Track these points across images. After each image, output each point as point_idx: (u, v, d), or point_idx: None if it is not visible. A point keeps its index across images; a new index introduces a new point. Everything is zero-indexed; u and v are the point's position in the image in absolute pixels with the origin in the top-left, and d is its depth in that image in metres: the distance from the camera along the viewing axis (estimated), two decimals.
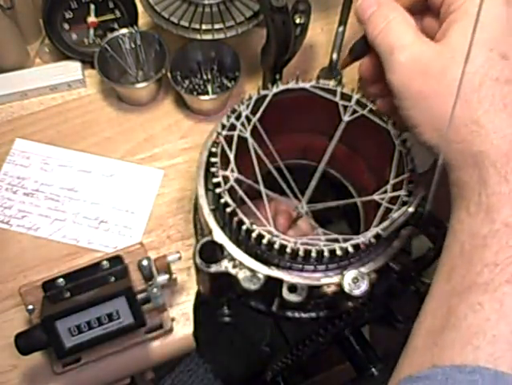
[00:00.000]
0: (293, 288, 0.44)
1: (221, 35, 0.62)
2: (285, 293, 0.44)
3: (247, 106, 0.50)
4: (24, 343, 0.48)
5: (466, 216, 0.36)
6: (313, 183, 0.53)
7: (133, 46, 0.68)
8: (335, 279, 0.45)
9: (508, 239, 0.34)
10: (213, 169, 0.47)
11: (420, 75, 0.38)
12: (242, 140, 0.49)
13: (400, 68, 0.39)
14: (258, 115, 0.50)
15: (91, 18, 0.68)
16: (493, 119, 0.36)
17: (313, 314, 0.51)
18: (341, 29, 0.66)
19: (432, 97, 0.38)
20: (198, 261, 0.44)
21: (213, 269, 0.45)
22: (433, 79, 0.38)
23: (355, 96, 0.50)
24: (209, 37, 0.62)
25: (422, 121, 0.39)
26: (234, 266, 0.45)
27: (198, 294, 0.58)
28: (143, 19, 0.70)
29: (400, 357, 0.38)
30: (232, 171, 0.47)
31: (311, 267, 0.46)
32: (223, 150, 0.48)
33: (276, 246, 0.44)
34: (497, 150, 0.35)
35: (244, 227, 0.44)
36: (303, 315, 0.51)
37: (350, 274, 0.44)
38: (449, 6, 0.39)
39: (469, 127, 0.36)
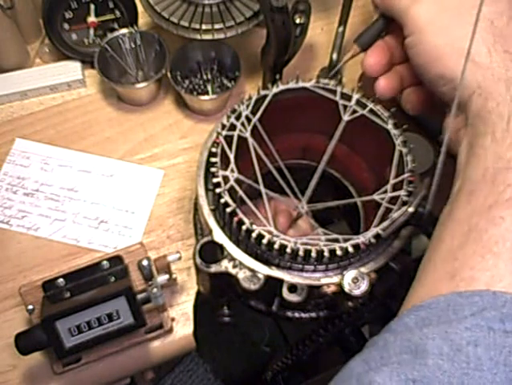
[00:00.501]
0: (293, 288, 0.44)
1: (221, 35, 0.62)
2: (285, 293, 0.44)
3: (247, 106, 0.50)
4: (24, 343, 0.48)
5: (492, 141, 0.37)
6: (313, 183, 0.53)
7: (133, 46, 0.68)
8: (335, 279, 0.45)
9: None
10: (213, 169, 0.47)
11: (448, 10, 0.41)
12: (242, 140, 0.49)
13: (428, 1, 0.42)
14: (258, 115, 0.50)
15: (91, 18, 0.68)
16: None
17: (313, 314, 0.51)
18: (341, 29, 0.66)
19: (460, 28, 0.40)
20: (198, 261, 0.44)
21: (213, 269, 0.45)
22: (463, 12, 0.40)
23: (355, 96, 0.50)
24: (209, 37, 0.62)
25: (448, 50, 0.41)
26: (234, 266, 0.45)
27: (198, 294, 0.58)
28: (143, 19, 0.70)
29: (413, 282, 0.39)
30: (232, 171, 0.47)
31: (311, 267, 0.46)
32: (223, 150, 0.48)
33: (276, 246, 0.44)
34: None
35: (244, 227, 0.44)
36: (303, 315, 0.51)
37: (350, 274, 0.44)
38: None
39: (503, 57, 0.38)
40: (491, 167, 0.37)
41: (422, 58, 0.43)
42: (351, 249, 0.44)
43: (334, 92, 0.50)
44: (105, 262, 0.52)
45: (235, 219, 0.45)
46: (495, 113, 0.38)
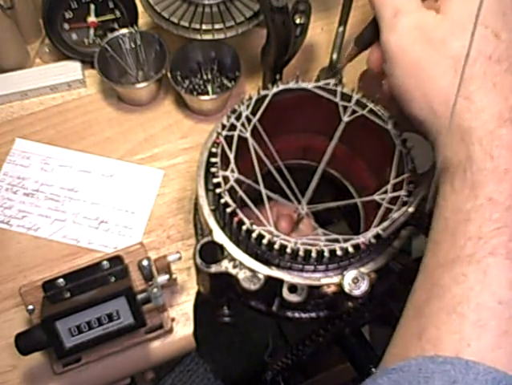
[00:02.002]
0: (293, 288, 0.45)
1: (221, 35, 0.62)
2: (285, 293, 0.44)
3: (247, 106, 0.50)
4: (24, 343, 0.48)
5: (451, 192, 0.37)
6: (313, 183, 0.53)
7: (133, 46, 0.68)
8: (335, 279, 0.45)
9: (491, 213, 0.35)
10: (213, 169, 0.47)
11: (420, 43, 0.39)
12: (242, 140, 0.49)
13: (402, 32, 0.39)
14: (258, 115, 0.50)
15: (91, 18, 0.68)
16: (483, 97, 0.36)
17: (313, 314, 0.51)
18: (341, 29, 0.66)
19: (428, 67, 0.38)
20: (198, 261, 0.44)
21: (213, 269, 0.45)
22: (432, 48, 0.38)
23: (355, 96, 0.50)
24: (209, 37, 0.62)
25: (414, 92, 0.39)
26: (234, 266, 0.45)
27: (198, 294, 0.58)
28: (143, 19, 0.70)
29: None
30: (232, 171, 0.47)
31: (311, 267, 0.46)
32: (223, 150, 0.48)
33: (276, 246, 0.44)
34: (484, 127, 0.36)
35: (244, 227, 0.44)
36: (303, 315, 0.51)
37: (350, 274, 0.44)
38: None
39: (460, 103, 0.36)
40: (451, 218, 0.36)
41: (395, 91, 0.41)
42: (351, 249, 0.44)
43: (334, 92, 0.50)
44: (105, 262, 0.52)
45: (235, 219, 0.45)
46: (453, 162, 0.37)
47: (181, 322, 0.57)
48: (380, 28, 0.41)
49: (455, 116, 0.37)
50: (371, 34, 0.45)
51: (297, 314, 0.51)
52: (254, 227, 0.44)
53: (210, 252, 0.45)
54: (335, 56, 0.68)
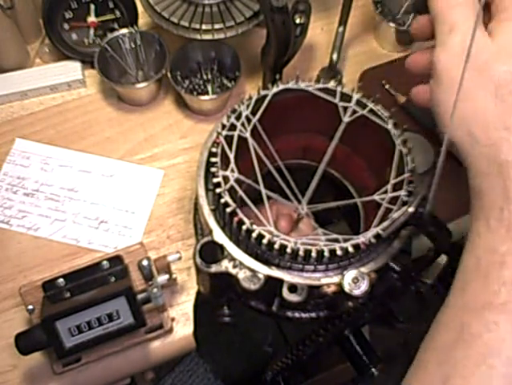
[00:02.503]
0: (293, 288, 0.44)
1: (221, 35, 0.62)
2: (285, 293, 0.44)
3: (247, 106, 0.49)
4: (24, 343, 0.48)
5: (485, 230, 0.35)
6: (313, 183, 0.53)
7: (133, 46, 0.68)
8: (335, 279, 0.45)
9: None
10: (213, 169, 0.47)
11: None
12: (242, 140, 0.49)
13: (452, 49, 0.38)
14: (258, 115, 0.50)
15: (91, 18, 0.68)
16: None
17: (313, 314, 0.51)
18: (341, 29, 0.66)
19: (470, 88, 0.37)
20: (198, 261, 0.44)
21: (213, 269, 0.45)
22: (476, 70, 0.37)
23: (355, 96, 0.50)
24: (209, 37, 0.62)
25: (453, 112, 0.37)
26: (234, 266, 0.45)
27: (198, 294, 0.58)
28: (143, 19, 0.70)
29: (408, 370, 0.37)
30: (232, 171, 0.47)
31: (311, 267, 0.46)
32: (223, 150, 0.48)
33: (276, 246, 0.44)
34: None
35: (244, 227, 0.44)
36: (303, 315, 0.51)
37: (350, 274, 0.44)
38: (498, 5, 0.38)
39: (500, 132, 0.35)
40: (484, 258, 0.34)
41: (434, 106, 0.39)
42: (351, 249, 0.43)
43: (334, 93, 0.50)
44: (105, 262, 0.52)
45: (235, 219, 0.45)
46: (489, 197, 0.35)
47: (181, 322, 0.57)
48: (435, 42, 0.40)
49: (492, 147, 0.35)
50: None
51: (297, 314, 0.51)
52: (254, 227, 0.44)
53: (210, 252, 0.45)
54: (335, 56, 0.68)
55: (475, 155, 0.36)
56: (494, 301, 0.33)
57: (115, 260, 0.52)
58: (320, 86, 0.50)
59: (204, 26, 0.62)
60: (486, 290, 0.34)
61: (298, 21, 0.60)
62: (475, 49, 0.37)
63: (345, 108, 0.50)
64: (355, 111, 0.50)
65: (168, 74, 0.65)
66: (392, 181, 0.47)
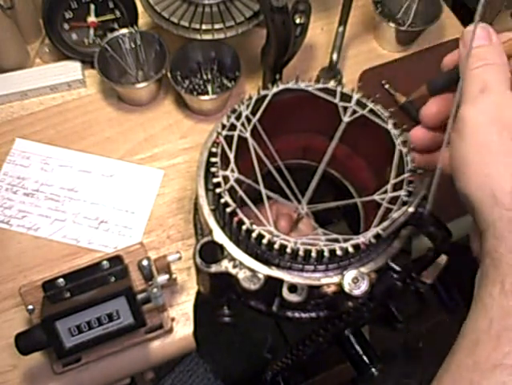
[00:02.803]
0: (293, 288, 0.44)
1: (221, 35, 0.62)
2: (285, 293, 0.44)
3: (247, 106, 0.49)
4: (24, 343, 0.48)
5: (500, 292, 0.35)
6: (313, 183, 0.53)
7: (133, 46, 0.68)
8: (335, 279, 0.45)
9: None
10: (213, 169, 0.47)
11: (496, 125, 0.37)
12: (242, 140, 0.49)
13: (483, 109, 0.38)
14: (258, 115, 0.50)
15: (91, 18, 0.68)
16: None
17: (313, 314, 0.51)
18: (341, 29, 0.66)
19: (498, 151, 0.36)
20: (198, 261, 0.44)
21: (213, 269, 0.45)
22: (507, 134, 0.37)
23: (355, 96, 0.50)
24: (209, 37, 0.62)
25: (475, 170, 0.37)
26: (234, 266, 0.45)
27: (198, 294, 0.58)
28: (143, 19, 0.70)
29: None
30: (232, 171, 0.47)
31: (311, 267, 0.46)
32: (223, 150, 0.48)
33: (276, 246, 0.44)
34: None
35: (244, 227, 0.44)
36: (303, 315, 0.51)
37: (350, 274, 0.44)
38: None
39: None
40: (497, 321, 0.34)
41: (454, 162, 0.39)
42: (351, 249, 0.43)
43: (334, 93, 0.50)
44: (105, 262, 0.52)
45: (235, 219, 0.45)
46: (506, 261, 0.35)
47: (181, 322, 0.57)
48: (463, 97, 0.39)
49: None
50: (446, 82, 0.43)
51: (297, 314, 0.51)
52: (254, 227, 0.44)
53: (210, 252, 0.45)
54: (334, 56, 0.68)
55: (495, 217, 0.36)
56: (505, 362, 0.33)
57: (115, 260, 0.52)
58: (320, 86, 0.50)
59: (204, 26, 0.62)
60: (497, 352, 0.34)
61: (298, 21, 0.60)
62: (508, 113, 0.37)
63: (345, 108, 0.50)
64: (355, 111, 0.50)
65: (168, 75, 0.65)
66: (392, 181, 0.47)
